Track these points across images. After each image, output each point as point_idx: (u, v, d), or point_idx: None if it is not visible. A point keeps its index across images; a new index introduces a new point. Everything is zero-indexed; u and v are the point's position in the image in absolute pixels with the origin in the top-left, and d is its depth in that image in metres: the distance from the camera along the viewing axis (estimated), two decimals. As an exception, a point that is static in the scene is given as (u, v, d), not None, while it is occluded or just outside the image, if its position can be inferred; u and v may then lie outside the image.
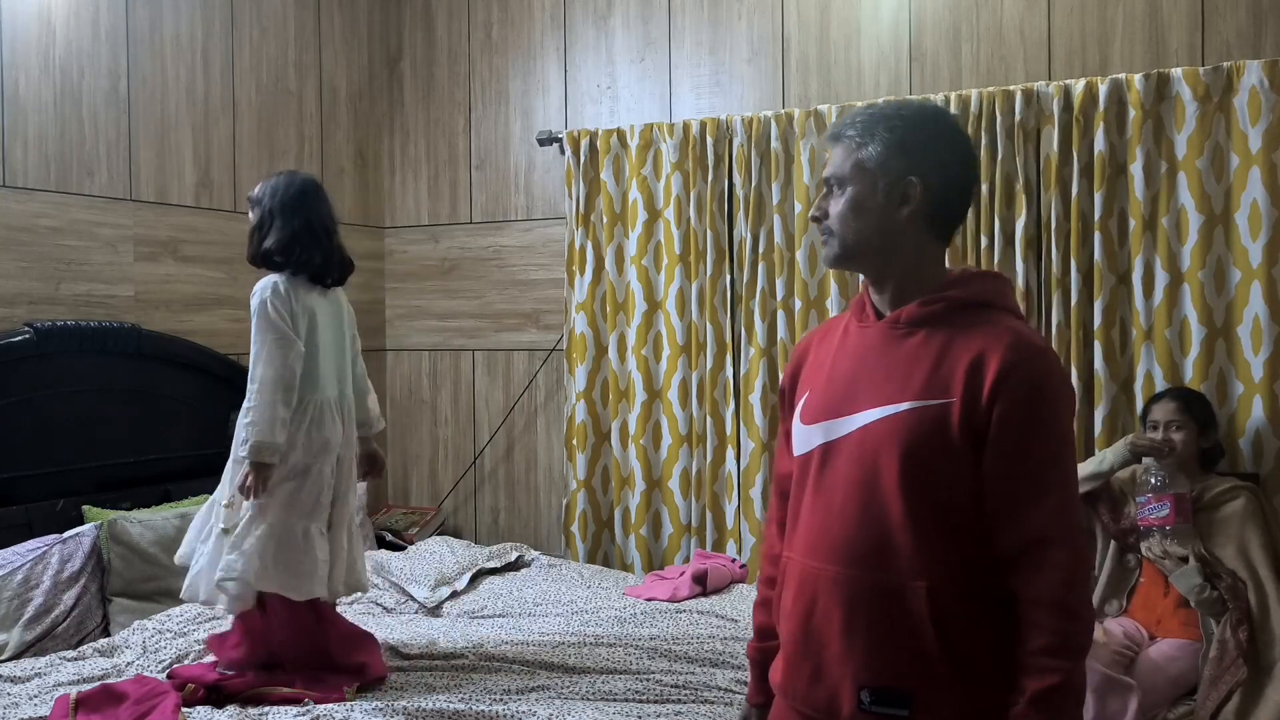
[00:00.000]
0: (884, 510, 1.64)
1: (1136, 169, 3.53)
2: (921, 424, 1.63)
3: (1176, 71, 3.49)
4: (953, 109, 3.74)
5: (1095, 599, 3.37)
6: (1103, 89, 3.55)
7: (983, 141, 3.70)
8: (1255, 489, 3.24)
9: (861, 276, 1.80)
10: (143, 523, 3.49)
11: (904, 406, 1.64)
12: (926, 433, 1.62)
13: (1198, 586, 3.04)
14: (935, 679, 1.61)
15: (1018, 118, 3.66)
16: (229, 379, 4.06)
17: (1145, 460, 3.25)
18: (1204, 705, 2.99)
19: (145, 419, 3.80)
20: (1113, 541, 3.36)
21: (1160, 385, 3.49)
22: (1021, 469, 1.60)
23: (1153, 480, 3.15)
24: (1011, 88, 3.68)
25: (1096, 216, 3.59)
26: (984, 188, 3.71)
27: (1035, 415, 1.60)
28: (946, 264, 1.78)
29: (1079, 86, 3.59)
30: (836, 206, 1.72)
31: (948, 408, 1.62)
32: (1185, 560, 3.10)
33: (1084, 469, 3.35)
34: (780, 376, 4.08)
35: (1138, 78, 3.51)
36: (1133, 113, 3.53)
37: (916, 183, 1.68)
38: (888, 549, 1.64)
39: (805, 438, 1.77)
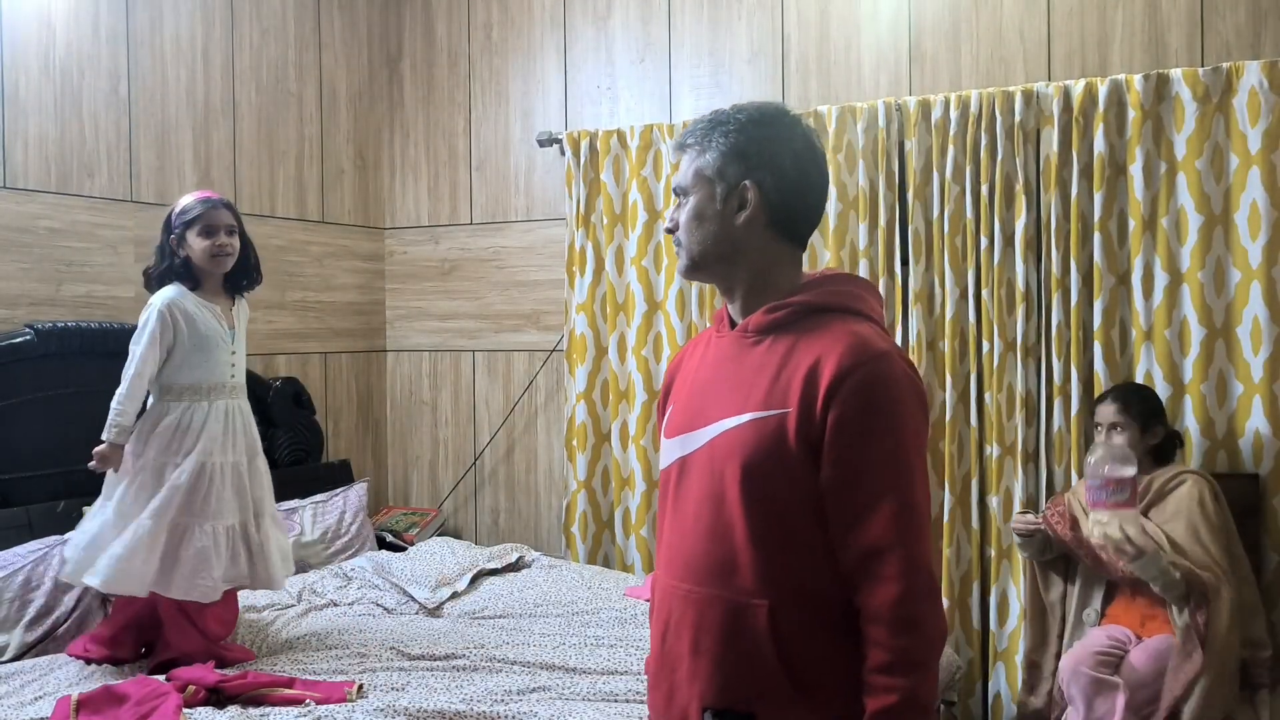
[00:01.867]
0: (729, 526, 1.60)
1: (1136, 170, 3.54)
2: (761, 436, 1.59)
3: (1176, 72, 3.49)
4: (952, 110, 3.74)
5: (1075, 608, 3.37)
6: (1102, 90, 3.56)
7: (983, 142, 3.71)
8: (1203, 473, 3.23)
9: None
10: (143, 524, 3.49)
11: (745, 418, 1.61)
12: (765, 445, 1.58)
13: (1164, 569, 2.96)
14: (776, 699, 1.57)
15: (1017, 118, 3.66)
16: (229, 380, 4.07)
17: (1096, 442, 3.25)
18: (1168, 694, 2.95)
19: (146, 420, 3.80)
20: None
21: (1160, 386, 3.50)
22: (855, 479, 1.55)
23: (1105, 469, 3.03)
24: (1011, 88, 3.68)
25: (1096, 217, 3.59)
26: (984, 188, 3.72)
27: (869, 423, 1.55)
28: (816, 266, 1.76)
29: (1078, 87, 3.59)
30: (682, 216, 1.70)
31: (784, 418, 1.57)
32: (1136, 547, 2.97)
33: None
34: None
35: (1137, 78, 3.52)
36: (1132, 113, 3.54)
37: (751, 187, 1.65)
38: (733, 566, 1.59)
39: (666, 452, 1.74)
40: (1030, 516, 3.39)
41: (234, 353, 3.22)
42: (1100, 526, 3.03)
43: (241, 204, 4.25)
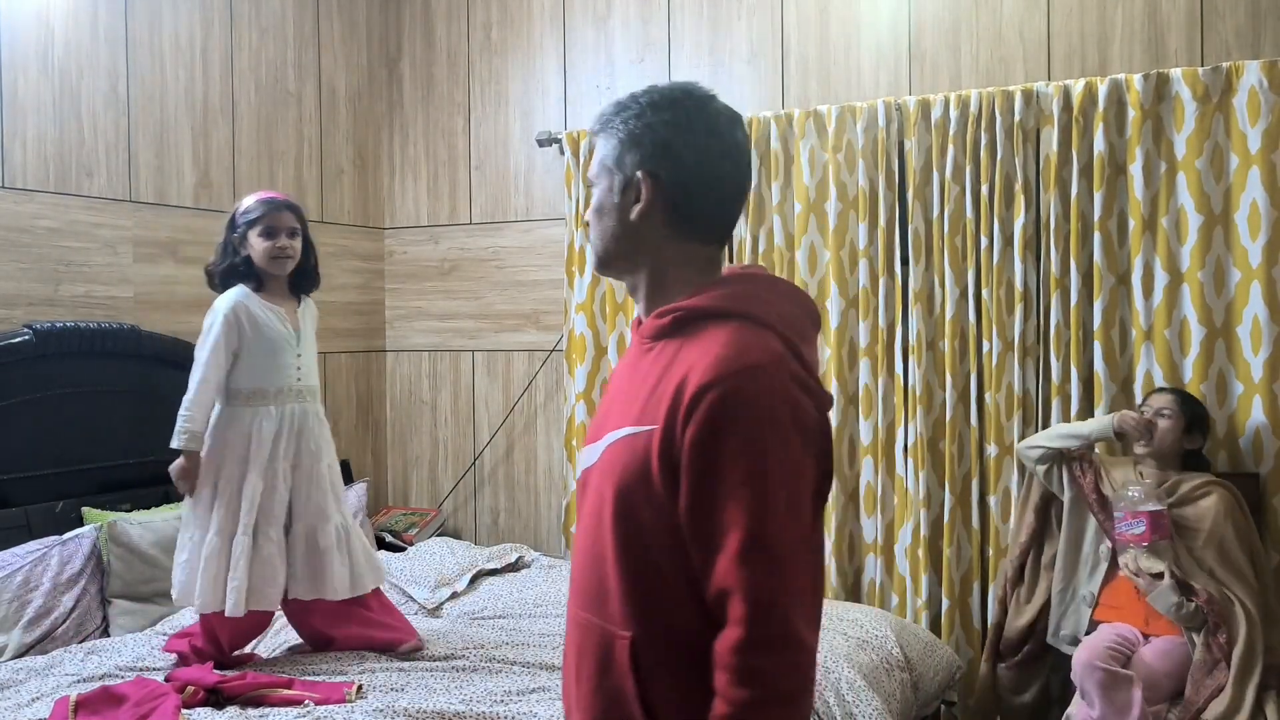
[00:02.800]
0: (603, 550, 1.46)
1: (1136, 169, 3.53)
2: (632, 454, 1.43)
3: (1176, 72, 3.49)
4: (952, 109, 3.74)
5: (1062, 582, 3.40)
6: (1102, 89, 3.55)
7: (982, 142, 3.70)
8: (1228, 484, 3.26)
9: None
10: (142, 524, 3.49)
11: (623, 433, 1.46)
12: (634, 466, 1.43)
13: (1175, 605, 3.06)
14: None
15: (1017, 118, 3.66)
16: (228, 380, 4.06)
17: (1136, 466, 3.30)
18: (1189, 706, 3.01)
19: (144, 420, 3.79)
20: (1092, 520, 3.37)
21: (1160, 385, 3.50)
22: (708, 509, 1.37)
23: (1131, 494, 3.19)
24: (1011, 88, 3.68)
25: (1096, 217, 3.59)
26: (983, 188, 3.71)
27: (722, 446, 1.36)
28: (725, 264, 1.58)
29: (1078, 87, 3.59)
30: (589, 211, 1.58)
31: (650, 437, 1.41)
32: (1159, 577, 3.11)
33: (1065, 427, 3.45)
34: (780, 377, 4.08)
35: (1137, 78, 3.51)
36: (1132, 113, 3.53)
37: (644, 178, 1.50)
38: (605, 593, 1.46)
39: (578, 463, 1.62)
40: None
41: (299, 355, 3.18)
42: (1122, 556, 3.19)
43: (240, 202, 4.25)
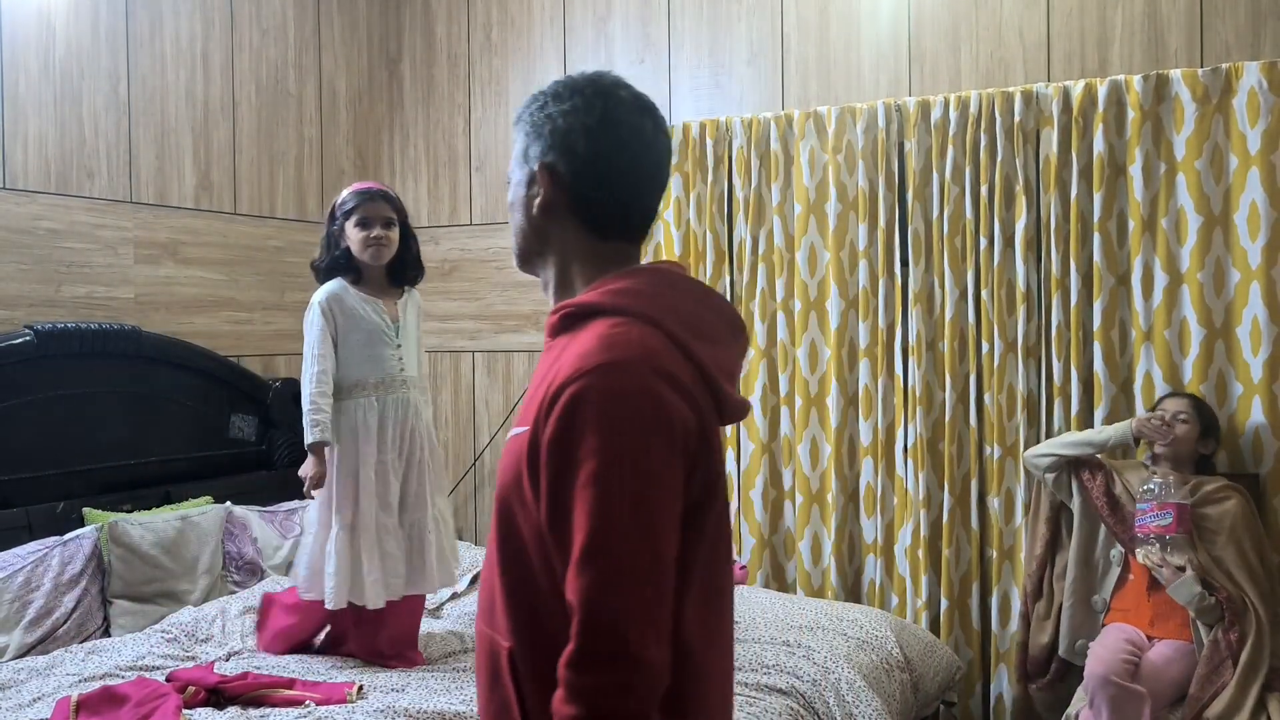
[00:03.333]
0: (490, 557, 1.42)
1: (1135, 170, 3.54)
2: (511, 457, 1.38)
3: (1175, 73, 3.49)
4: (952, 110, 3.75)
5: (1074, 595, 3.40)
6: (1102, 90, 3.56)
7: (982, 143, 3.71)
8: (1244, 490, 3.27)
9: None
10: (143, 525, 3.49)
11: (510, 435, 1.40)
12: (510, 468, 1.37)
13: (1198, 595, 3.07)
14: None
15: (1017, 119, 3.66)
16: (229, 381, 4.07)
17: (1149, 468, 3.30)
18: (1192, 704, 3.02)
19: (145, 421, 3.80)
20: (1102, 527, 3.38)
21: (1160, 386, 3.51)
22: (561, 512, 1.28)
23: (1156, 489, 3.18)
24: (1010, 89, 3.68)
25: (1096, 217, 3.59)
26: (983, 189, 3.72)
27: (574, 446, 1.27)
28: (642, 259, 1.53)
29: (1078, 88, 3.59)
30: None
31: (523, 438, 1.35)
32: (1182, 569, 3.11)
33: (1078, 435, 3.44)
34: (780, 377, 4.09)
35: (1137, 79, 3.52)
36: (1132, 114, 3.54)
37: (541, 170, 1.46)
38: (493, 603, 1.41)
39: None
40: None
41: (400, 346, 3.18)
42: (1143, 548, 3.18)
43: (241, 205, 4.26)
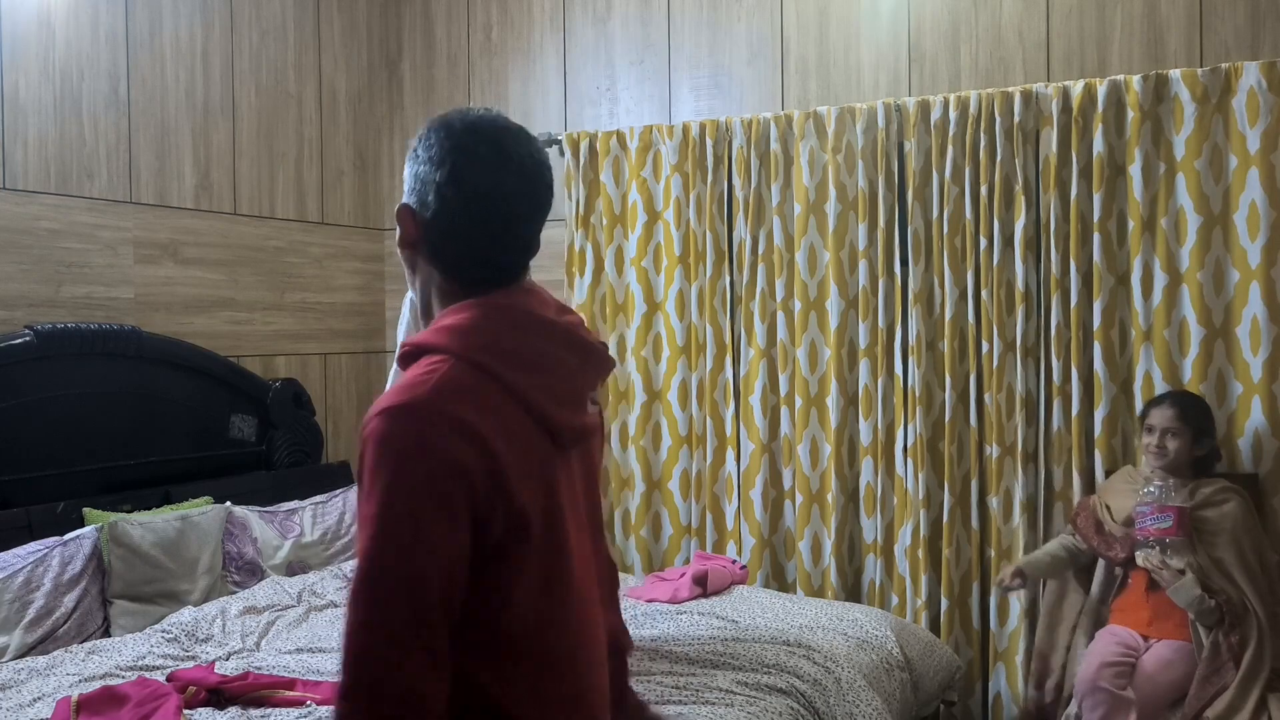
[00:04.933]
0: None
1: (1135, 170, 3.54)
2: None
3: (1175, 73, 3.49)
4: (951, 110, 3.75)
5: (1085, 614, 3.41)
6: (1101, 90, 3.56)
7: (982, 143, 3.71)
8: (1243, 491, 3.26)
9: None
10: (143, 525, 3.49)
11: None
12: None
13: (1198, 598, 3.07)
14: None
15: (1016, 119, 3.67)
16: (229, 381, 4.07)
17: (1147, 473, 3.29)
18: (1192, 705, 3.02)
19: (145, 421, 3.80)
20: (1100, 563, 3.41)
21: (1159, 386, 3.50)
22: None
23: (1156, 492, 3.18)
24: (1010, 89, 3.68)
25: (1095, 217, 3.60)
26: (983, 189, 3.72)
27: (360, 483, 1.36)
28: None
29: (1078, 88, 3.59)
30: None
31: None
32: (1182, 572, 3.11)
33: (1034, 564, 3.46)
34: (780, 377, 4.09)
35: (1136, 79, 3.52)
36: (1131, 114, 3.54)
37: (402, 210, 1.52)
38: None
39: None
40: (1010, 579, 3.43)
41: None
42: (1142, 551, 3.17)
43: (240, 205, 4.26)
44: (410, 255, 1.55)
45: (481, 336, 1.43)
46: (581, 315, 1.63)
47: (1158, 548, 3.16)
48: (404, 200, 1.53)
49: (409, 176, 1.53)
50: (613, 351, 4.41)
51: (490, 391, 1.40)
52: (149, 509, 3.67)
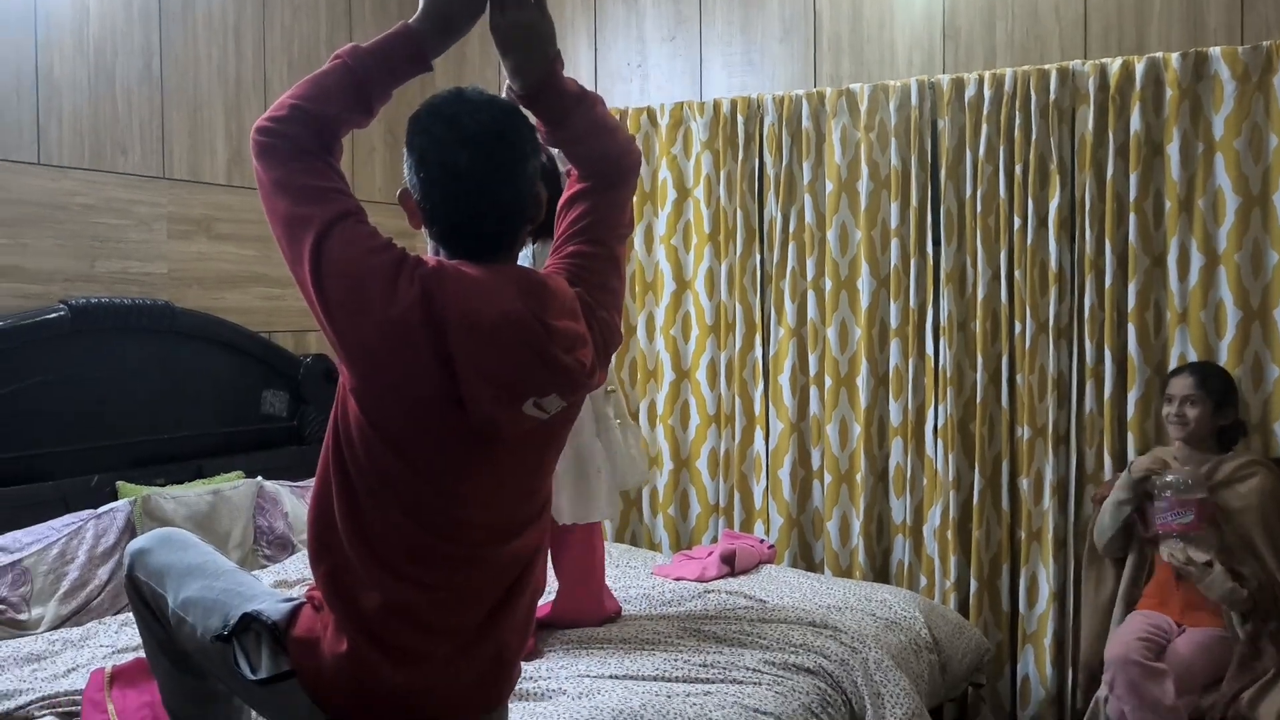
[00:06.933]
0: None
1: (1173, 149, 3.49)
2: None
3: (1215, 50, 3.44)
4: (986, 88, 3.70)
5: (1118, 600, 3.38)
6: (1139, 68, 3.51)
7: (1017, 121, 3.67)
8: (1270, 464, 3.21)
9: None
10: (176, 499, 3.52)
11: None
12: None
13: (1230, 590, 3.03)
14: None
15: (1052, 97, 3.62)
16: (262, 357, 4.09)
17: (1173, 450, 3.25)
18: (1229, 688, 2.99)
19: (178, 396, 3.83)
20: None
21: (1175, 366, 3.46)
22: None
23: (1175, 483, 3.14)
24: (1046, 66, 3.64)
25: (1132, 197, 3.55)
26: (1017, 168, 3.68)
27: None
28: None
29: (1115, 65, 3.54)
30: None
31: None
32: (1209, 564, 3.08)
33: (1105, 513, 3.37)
34: (810, 357, 4.07)
35: (1175, 57, 3.47)
36: (1169, 92, 3.48)
37: (404, 196, 1.73)
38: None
39: None
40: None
41: None
42: (1166, 545, 3.14)
43: (273, 181, 4.27)
44: (425, 235, 1.76)
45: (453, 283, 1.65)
46: (580, 329, 1.73)
47: (1181, 543, 3.12)
48: (406, 181, 1.71)
49: (405, 154, 1.72)
50: (641, 330, 4.40)
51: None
52: (181, 483, 3.70)
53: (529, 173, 1.73)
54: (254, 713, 2.12)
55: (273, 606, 1.82)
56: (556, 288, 1.72)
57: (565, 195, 1.88)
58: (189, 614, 1.88)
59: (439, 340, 1.61)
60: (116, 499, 3.51)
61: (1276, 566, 3.07)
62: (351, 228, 1.65)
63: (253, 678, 1.77)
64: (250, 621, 1.79)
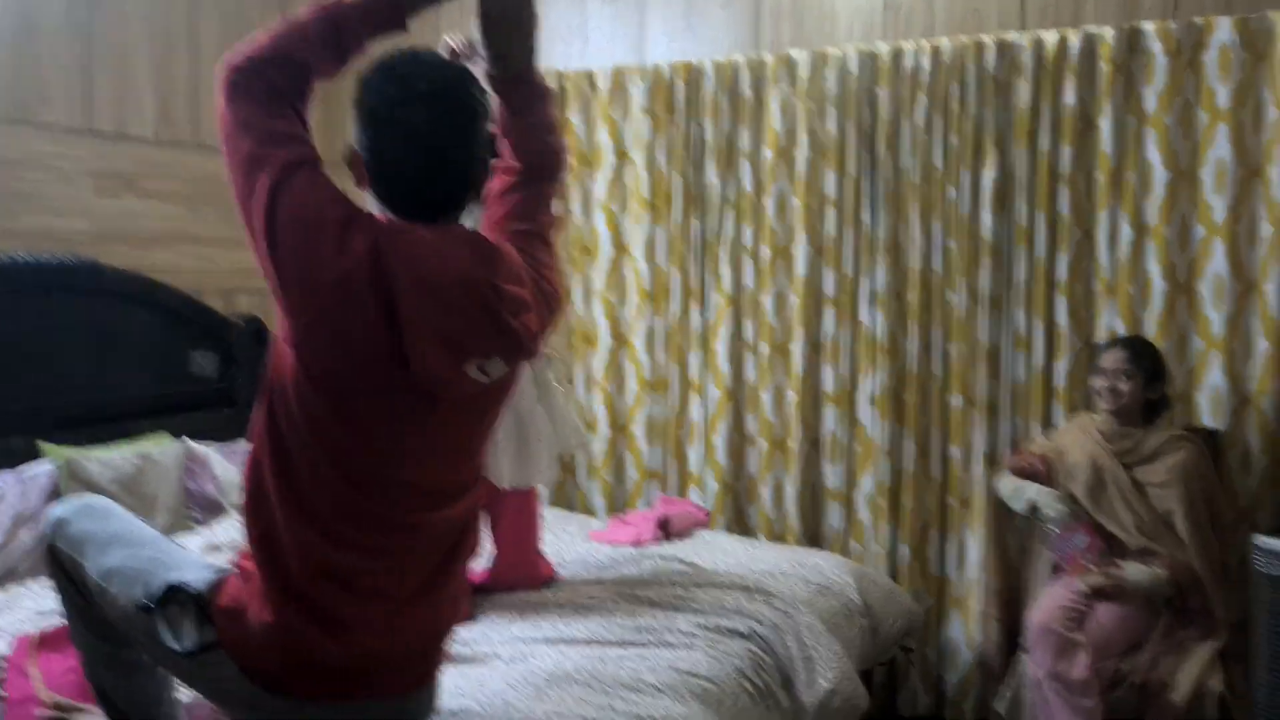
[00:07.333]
0: None
1: (1105, 123, 3.54)
2: None
3: (1148, 26, 3.48)
4: (924, 59, 3.72)
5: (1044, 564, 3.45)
6: (1075, 42, 3.55)
7: (953, 92, 3.69)
8: (1195, 439, 3.28)
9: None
10: (102, 461, 3.46)
11: None
12: None
13: (1152, 580, 3.11)
14: None
15: (989, 69, 3.65)
16: (191, 317, 4.02)
17: (1033, 501, 3.31)
18: (1146, 659, 3.07)
19: (104, 356, 3.75)
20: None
21: (1106, 340, 3.53)
22: None
23: (1054, 516, 3.25)
24: (984, 38, 3.66)
25: (1064, 170, 3.60)
26: (953, 139, 3.71)
27: None
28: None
29: (1051, 39, 3.58)
30: None
31: None
32: (1121, 569, 3.15)
33: (1011, 498, 3.42)
34: (746, 324, 4.09)
35: (1110, 31, 3.51)
36: (1104, 66, 3.53)
37: (352, 156, 1.73)
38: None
39: None
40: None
41: None
42: (1082, 578, 3.18)
43: (202, 137, 4.17)
44: (368, 193, 1.72)
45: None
46: (526, 294, 1.75)
47: (1089, 565, 3.19)
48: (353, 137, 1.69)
49: (354, 115, 1.70)
50: (579, 295, 4.39)
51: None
52: (108, 445, 3.63)
53: (482, 137, 1.73)
54: (180, 682, 2.10)
55: (197, 576, 1.80)
56: (506, 253, 1.74)
57: (498, 185, 1.90)
58: (111, 584, 1.85)
59: (388, 295, 1.60)
60: (39, 461, 3.43)
61: (1193, 540, 3.14)
62: (312, 174, 1.64)
63: (178, 649, 1.74)
64: (174, 592, 1.76)
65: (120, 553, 1.88)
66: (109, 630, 1.94)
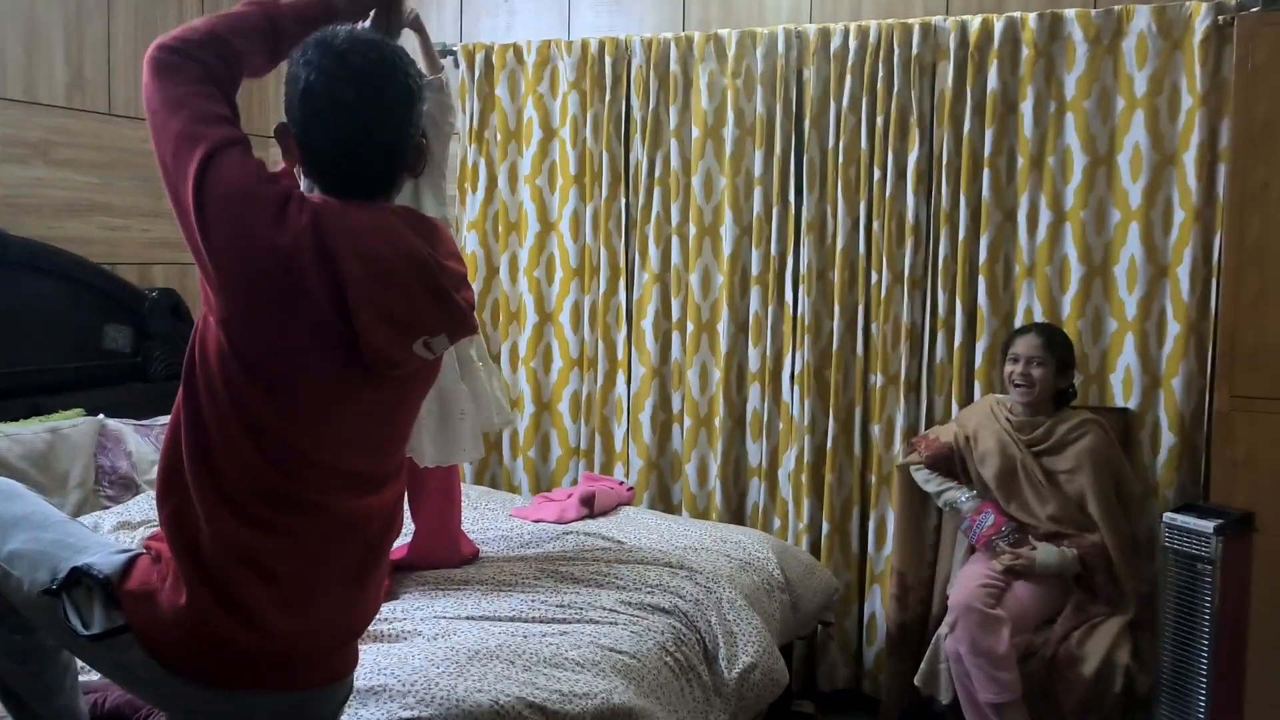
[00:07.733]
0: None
1: (1027, 108, 3.59)
2: None
3: (1070, 12, 3.54)
4: (851, 40, 3.74)
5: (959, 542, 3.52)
6: (998, 26, 3.59)
7: (880, 74, 3.72)
8: (1101, 421, 3.35)
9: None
10: (10, 436, 3.36)
11: None
12: None
13: (1060, 559, 3.19)
14: None
15: (915, 51, 3.68)
16: (103, 290, 3.91)
17: (950, 501, 3.42)
18: (1061, 628, 3.14)
19: (12, 329, 3.64)
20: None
21: (1021, 325, 3.59)
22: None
23: (963, 502, 3.35)
24: (910, 21, 3.69)
25: (987, 153, 3.65)
26: (879, 120, 3.74)
27: None
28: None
29: (975, 23, 3.62)
30: None
31: None
32: (1033, 548, 3.22)
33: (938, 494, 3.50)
34: (673, 302, 4.09)
35: (1032, 17, 3.56)
36: (1026, 51, 3.58)
37: (280, 125, 1.70)
38: None
39: None
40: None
41: None
42: (997, 560, 3.26)
43: (116, 106, 4.06)
44: (298, 171, 1.69)
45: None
46: (464, 270, 1.78)
47: (1001, 543, 3.26)
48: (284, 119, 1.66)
49: (285, 92, 1.67)
50: (504, 271, 4.36)
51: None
52: (16, 420, 3.52)
53: (415, 117, 1.72)
54: (86, 666, 2.05)
55: (105, 559, 1.75)
56: (441, 227, 1.74)
57: None
58: (15, 567, 1.79)
59: (330, 273, 1.58)
60: (-56, 436, 3.33)
61: (1104, 519, 3.22)
62: (242, 155, 1.62)
63: (84, 633, 1.69)
64: (81, 575, 1.71)
65: (24, 535, 1.82)
66: (11, 616, 1.88)
